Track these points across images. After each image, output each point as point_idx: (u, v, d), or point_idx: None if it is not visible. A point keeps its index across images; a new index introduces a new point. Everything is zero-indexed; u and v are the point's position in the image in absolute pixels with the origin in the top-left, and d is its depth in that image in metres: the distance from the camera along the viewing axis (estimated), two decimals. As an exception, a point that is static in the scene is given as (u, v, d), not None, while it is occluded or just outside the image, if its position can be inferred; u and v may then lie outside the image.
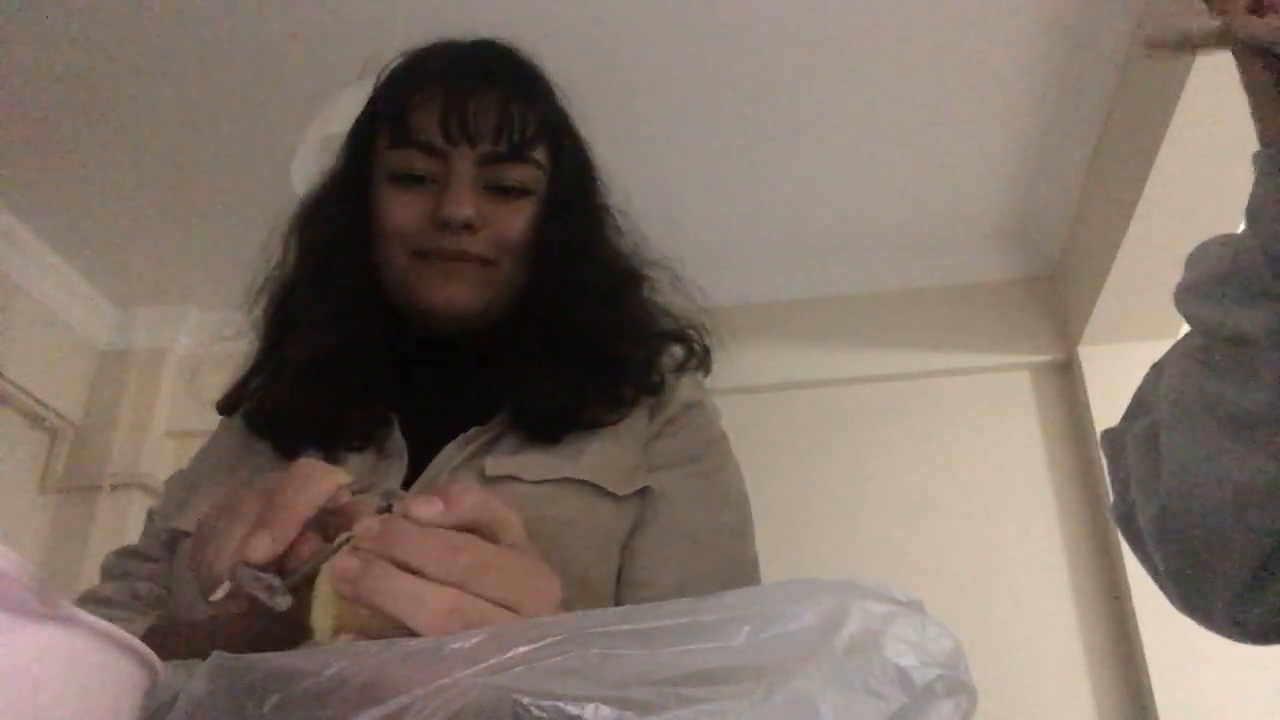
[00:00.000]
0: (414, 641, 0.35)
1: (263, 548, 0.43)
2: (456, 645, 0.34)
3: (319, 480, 0.46)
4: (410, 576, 0.40)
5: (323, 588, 0.42)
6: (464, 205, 0.73)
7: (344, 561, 0.41)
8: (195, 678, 0.36)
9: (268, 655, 0.36)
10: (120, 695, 0.32)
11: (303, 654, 0.36)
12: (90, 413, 2.67)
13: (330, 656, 0.35)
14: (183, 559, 0.71)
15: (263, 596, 0.43)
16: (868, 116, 2.15)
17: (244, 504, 0.46)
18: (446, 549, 0.41)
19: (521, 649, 0.33)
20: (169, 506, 0.79)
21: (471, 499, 0.44)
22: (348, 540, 0.43)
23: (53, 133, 2.14)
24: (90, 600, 0.73)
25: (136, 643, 0.32)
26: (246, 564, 0.43)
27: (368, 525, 0.42)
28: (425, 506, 0.43)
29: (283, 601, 0.42)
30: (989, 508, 2.34)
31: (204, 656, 0.47)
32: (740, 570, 0.74)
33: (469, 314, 0.76)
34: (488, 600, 0.41)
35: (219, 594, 0.44)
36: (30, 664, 0.27)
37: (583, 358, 0.75)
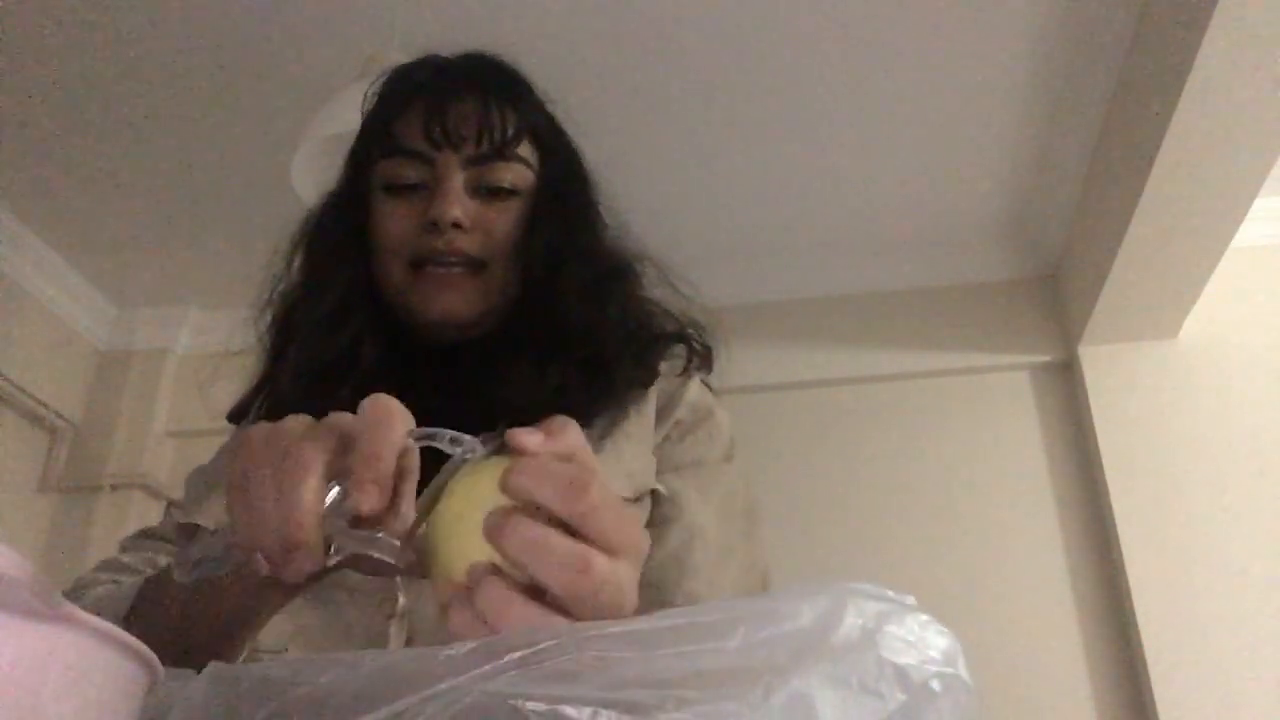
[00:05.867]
0: (408, 650, 0.35)
1: (374, 501, 0.41)
2: (451, 652, 0.34)
3: (398, 422, 0.44)
4: (570, 542, 0.40)
5: (470, 524, 0.40)
6: (451, 206, 0.75)
7: (508, 523, 0.40)
8: (192, 685, 0.36)
9: (264, 664, 0.36)
10: (120, 695, 0.32)
11: (299, 661, 0.36)
12: (90, 413, 2.67)
13: (325, 664, 0.35)
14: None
15: (384, 556, 0.41)
16: (867, 116, 2.15)
17: (301, 449, 0.43)
18: (572, 485, 0.40)
19: (517, 653, 0.33)
20: (188, 501, 0.81)
21: (573, 434, 0.44)
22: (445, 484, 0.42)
23: (53, 133, 2.14)
24: (109, 568, 0.75)
25: (137, 643, 0.32)
26: (348, 522, 0.42)
27: (526, 468, 0.41)
28: (532, 437, 0.43)
29: (406, 557, 0.41)
30: (989, 508, 2.34)
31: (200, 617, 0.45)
32: (754, 576, 0.74)
33: (464, 322, 0.77)
34: (609, 541, 0.40)
35: (333, 560, 0.42)
36: (30, 664, 0.27)
37: (572, 355, 0.75)
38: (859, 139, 2.22)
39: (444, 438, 0.44)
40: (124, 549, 0.79)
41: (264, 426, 0.46)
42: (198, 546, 0.47)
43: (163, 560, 0.75)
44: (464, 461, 0.43)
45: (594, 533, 0.40)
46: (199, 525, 0.74)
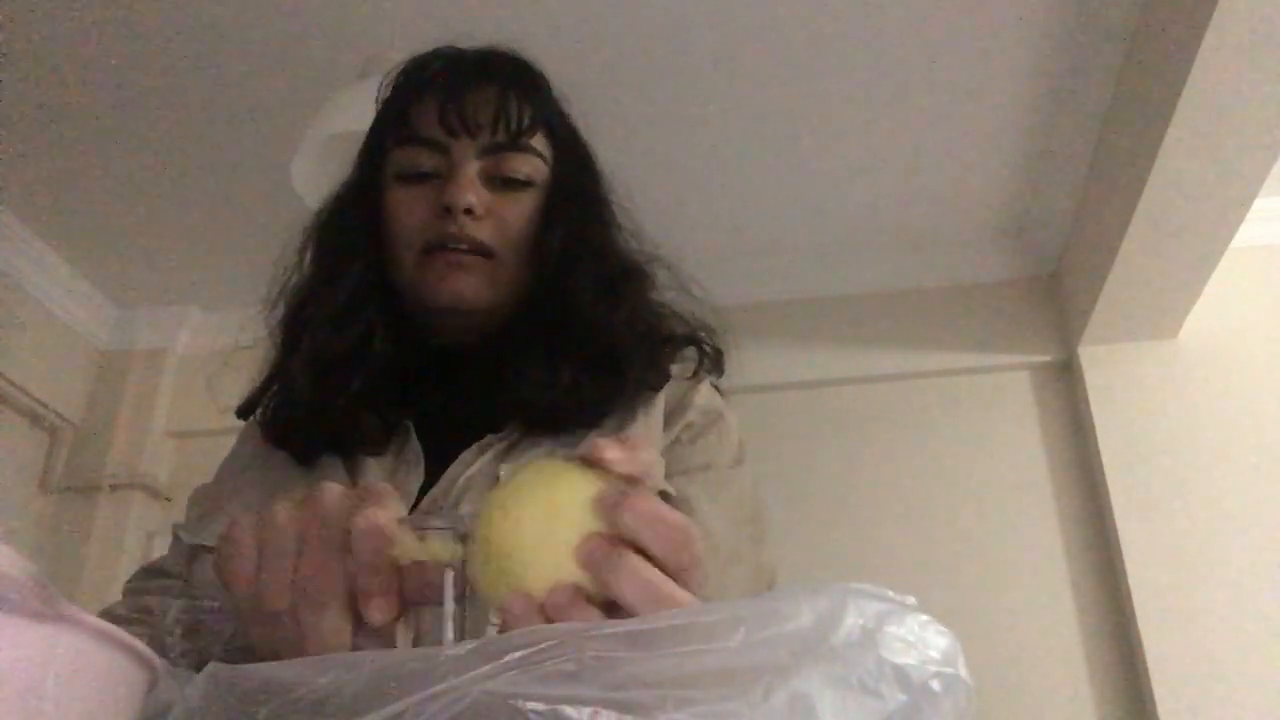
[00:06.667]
0: (408, 650, 0.35)
1: (384, 616, 0.42)
2: (451, 652, 0.34)
3: (388, 533, 0.43)
4: (659, 574, 0.40)
5: (555, 540, 0.39)
6: (465, 191, 0.75)
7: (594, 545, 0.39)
8: (190, 687, 0.36)
9: (262, 665, 0.36)
10: (120, 695, 0.32)
11: (297, 663, 0.36)
12: (90, 413, 2.66)
13: (325, 664, 0.35)
14: (206, 573, 0.71)
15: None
16: (867, 117, 2.15)
17: (321, 584, 0.43)
18: (680, 537, 0.41)
19: (517, 654, 0.33)
20: (190, 522, 0.79)
21: (648, 456, 0.44)
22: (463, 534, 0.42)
23: (54, 134, 2.14)
24: (103, 618, 0.73)
25: (136, 643, 0.32)
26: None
27: (621, 501, 0.40)
28: (614, 451, 0.42)
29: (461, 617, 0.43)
30: (989, 508, 2.34)
31: None
32: (761, 582, 0.74)
33: (474, 309, 0.76)
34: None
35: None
36: (30, 664, 0.27)
37: (583, 353, 0.75)
38: (859, 139, 2.22)
39: (444, 526, 0.44)
40: (125, 593, 0.77)
41: (246, 523, 0.45)
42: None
43: (153, 602, 0.73)
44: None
45: (692, 586, 0.41)
46: (204, 546, 0.72)
